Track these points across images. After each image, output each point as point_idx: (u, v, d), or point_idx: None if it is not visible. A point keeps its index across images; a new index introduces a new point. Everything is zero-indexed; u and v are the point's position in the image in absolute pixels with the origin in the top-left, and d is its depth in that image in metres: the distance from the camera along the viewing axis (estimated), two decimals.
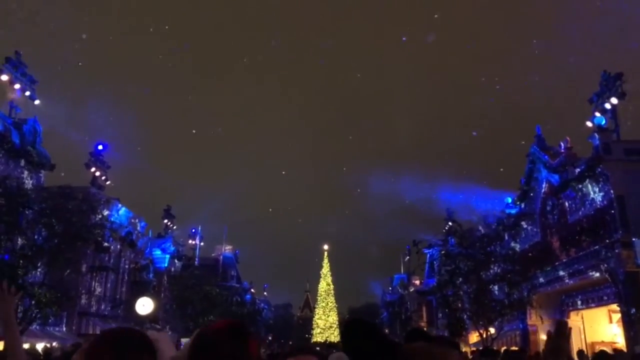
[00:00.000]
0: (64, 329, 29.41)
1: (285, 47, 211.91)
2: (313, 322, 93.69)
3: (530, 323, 28.57)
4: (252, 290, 78.17)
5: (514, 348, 22.23)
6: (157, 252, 42.85)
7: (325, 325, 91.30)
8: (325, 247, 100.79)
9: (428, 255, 44.56)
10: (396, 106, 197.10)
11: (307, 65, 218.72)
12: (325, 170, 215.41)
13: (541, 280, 26.96)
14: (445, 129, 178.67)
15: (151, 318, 28.77)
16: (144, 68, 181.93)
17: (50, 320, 24.74)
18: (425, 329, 50.43)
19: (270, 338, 78.83)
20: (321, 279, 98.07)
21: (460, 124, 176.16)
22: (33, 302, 20.55)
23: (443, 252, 29.38)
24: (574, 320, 27.14)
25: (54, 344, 24.77)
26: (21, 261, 20.65)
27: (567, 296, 27.41)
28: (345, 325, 2.64)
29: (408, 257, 63.35)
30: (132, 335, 1.61)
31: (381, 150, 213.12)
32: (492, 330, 26.29)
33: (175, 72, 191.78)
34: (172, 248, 45.47)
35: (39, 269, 22.37)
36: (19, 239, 21.32)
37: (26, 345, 22.39)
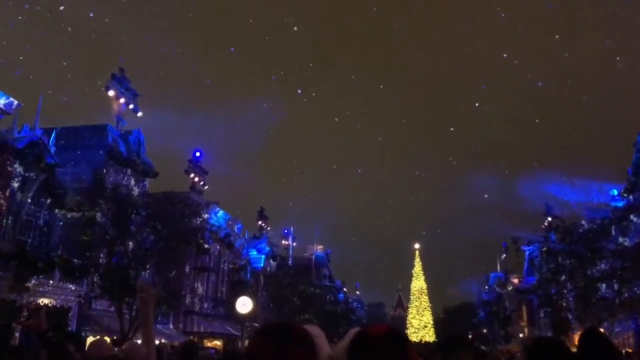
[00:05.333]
0: (171, 326, 31.16)
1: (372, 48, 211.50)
2: (407, 322, 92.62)
3: None
4: (345, 289, 78.63)
5: (628, 350, 20.83)
6: (253, 253, 44.24)
7: (420, 324, 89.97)
8: (417, 246, 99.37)
9: (527, 253, 42.77)
10: (488, 101, 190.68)
11: (392, 62, 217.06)
12: (416, 169, 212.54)
13: None
14: (541, 120, 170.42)
15: (251, 317, 29.73)
16: (232, 72, 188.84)
17: (158, 319, 26.30)
18: (525, 328, 48.47)
19: None
20: (413, 278, 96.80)
21: (557, 114, 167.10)
22: None
23: (544, 249, 28.07)
24: None
25: (163, 340, 26.36)
26: (132, 263, 22.19)
27: None
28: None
29: (504, 255, 61.18)
30: (293, 329, 1.62)
31: (474, 147, 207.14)
32: (601, 330, 24.77)
33: (260, 80, 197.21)
34: (267, 248, 46.76)
35: (148, 270, 23.91)
36: (130, 243, 22.91)
37: (139, 341, 24.01)
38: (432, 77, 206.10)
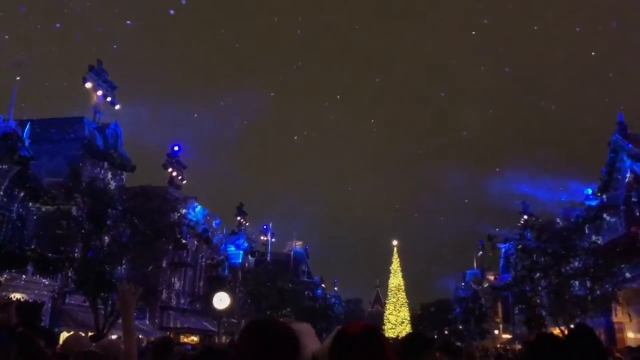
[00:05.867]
0: (148, 322, 30.88)
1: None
2: (384, 318, 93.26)
3: (616, 321, 27.19)
4: (323, 285, 78.81)
5: None
6: (232, 249, 44.09)
7: (397, 321, 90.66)
8: (395, 242, 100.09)
9: (503, 250, 43.38)
10: (466, 97, 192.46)
11: (374, 61, 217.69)
12: (394, 165, 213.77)
13: (627, 275, 25.56)
14: (516, 116, 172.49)
15: (228, 312, 29.65)
16: (221, 69, 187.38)
17: (135, 315, 26.01)
18: (500, 325, 49.04)
19: None
20: (392, 275, 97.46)
21: (532, 111, 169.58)
22: None
23: (520, 246, 28.46)
24: None
25: (140, 336, 26.11)
26: (108, 258, 21.89)
27: None
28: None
29: (481, 252, 62.00)
30: (280, 327, 1.69)
31: (451, 144, 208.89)
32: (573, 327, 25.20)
33: (251, 76, 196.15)
34: (246, 244, 46.63)
35: (124, 266, 23.63)
36: (106, 238, 22.60)
37: (114, 336, 23.75)
38: (411, 68, 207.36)
